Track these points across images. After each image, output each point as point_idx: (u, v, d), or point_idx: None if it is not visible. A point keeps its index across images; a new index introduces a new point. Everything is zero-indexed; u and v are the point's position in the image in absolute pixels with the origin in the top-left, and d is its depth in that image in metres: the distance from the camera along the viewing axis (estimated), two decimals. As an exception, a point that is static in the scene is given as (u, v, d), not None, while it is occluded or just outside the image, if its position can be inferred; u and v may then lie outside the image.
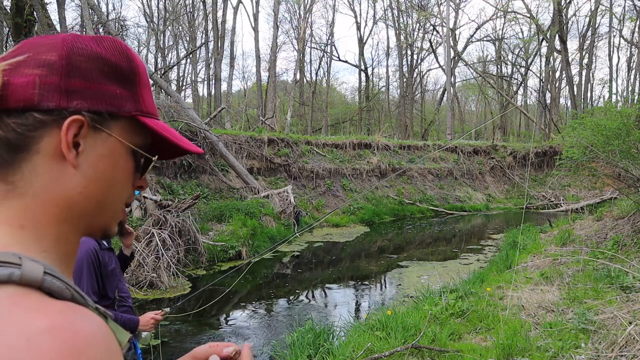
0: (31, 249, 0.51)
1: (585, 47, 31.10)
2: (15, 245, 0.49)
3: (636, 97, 18.40)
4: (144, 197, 8.76)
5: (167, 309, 2.62)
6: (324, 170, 16.75)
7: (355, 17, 35.38)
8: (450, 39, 29.60)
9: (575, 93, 26.87)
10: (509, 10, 30.62)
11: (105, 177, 0.57)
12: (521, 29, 36.69)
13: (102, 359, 0.43)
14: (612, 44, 33.08)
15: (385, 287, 8.14)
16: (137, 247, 7.47)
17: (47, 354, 0.39)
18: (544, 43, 30.83)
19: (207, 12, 28.47)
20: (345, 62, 37.15)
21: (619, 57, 37.67)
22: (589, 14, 28.60)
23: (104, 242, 2.39)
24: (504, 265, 7.45)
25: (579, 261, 6.38)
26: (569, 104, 34.44)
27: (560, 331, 4.10)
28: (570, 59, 26.77)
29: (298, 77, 33.33)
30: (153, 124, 0.61)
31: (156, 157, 0.64)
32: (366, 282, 8.25)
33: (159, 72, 18.09)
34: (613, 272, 5.35)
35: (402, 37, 34.05)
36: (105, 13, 25.58)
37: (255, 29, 26.64)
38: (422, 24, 34.05)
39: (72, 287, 0.49)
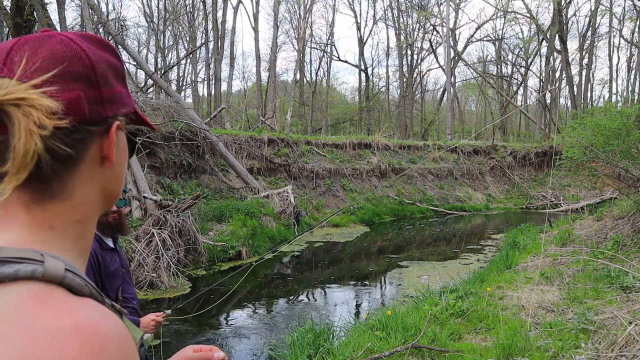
0: (54, 247, 0.52)
1: (585, 47, 31.09)
2: (37, 244, 0.50)
3: (636, 97, 18.39)
4: (144, 197, 8.76)
5: (168, 311, 2.62)
6: (324, 170, 16.75)
7: (355, 17, 35.41)
8: (450, 39, 29.60)
9: (575, 93, 26.86)
10: (509, 10, 30.62)
11: (123, 166, 0.64)
12: (521, 29, 36.77)
13: (119, 357, 0.45)
14: (612, 44, 33.09)
15: (385, 287, 8.14)
16: (137, 247, 7.47)
17: (70, 352, 0.41)
18: (544, 43, 30.84)
19: (207, 12, 28.48)
20: (345, 62, 37.17)
21: (619, 57, 37.61)
22: (589, 14, 28.60)
23: (107, 243, 2.37)
24: (504, 265, 7.45)
25: (579, 261, 6.38)
26: (569, 104, 34.45)
27: (560, 331, 4.10)
28: (570, 59, 26.76)
29: (298, 77, 33.36)
30: (140, 112, 0.67)
31: (137, 139, 0.71)
32: (366, 282, 8.25)
33: (159, 72, 18.08)
34: (613, 272, 5.34)
35: (402, 37, 34.06)
36: (105, 13, 25.59)
37: (255, 29, 26.65)
38: (422, 24, 34.07)
39: (90, 284, 0.50)
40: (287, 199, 12.63)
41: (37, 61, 0.52)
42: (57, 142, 0.50)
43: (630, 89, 32.91)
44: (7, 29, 11.66)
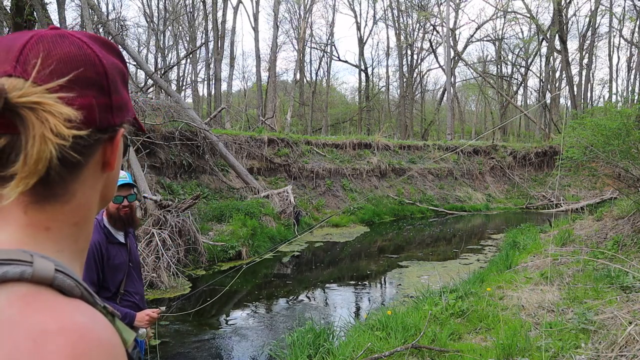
0: (48, 248, 0.51)
1: (585, 47, 31.09)
2: (31, 245, 0.50)
3: (636, 97, 18.40)
4: (144, 197, 8.76)
5: (163, 308, 2.65)
6: (324, 170, 16.75)
7: (355, 17, 35.40)
8: (450, 39, 29.60)
9: (575, 93, 26.85)
10: (509, 10, 30.63)
11: (118, 170, 0.63)
12: (521, 29, 36.77)
13: None
14: (612, 44, 33.09)
15: (385, 287, 8.14)
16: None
17: (51, 356, 0.40)
18: (544, 43, 30.84)
19: (207, 12, 28.48)
20: (345, 62, 37.18)
21: (619, 57, 37.53)
22: (589, 14, 28.60)
23: (117, 237, 2.41)
24: (504, 265, 7.44)
25: (579, 261, 6.38)
26: (569, 104, 34.44)
27: (560, 331, 4.10)
28: (570, 59, 26.76)
29: (298, 77, 33.36)
30: (137, 118, 0.66)
31: (135, 139, 0.70)
32: (366, 282, 8.25)
33: (159, 72, 18.09)
34: (613, 272, 5.34)
35: (402, 37, 34.07)
36: (105, 13, 25.59)
37: (255, 29, 26.64)
38: (422, 24, 34.08)
39: (81, 285, 0.50)
40: (287, 199, 12.62)
41: (51, 63, 0.50)
42: (69, 149, 0.50)
43: (630, 89, 32.94)
44: (7, 29, 11.66)
